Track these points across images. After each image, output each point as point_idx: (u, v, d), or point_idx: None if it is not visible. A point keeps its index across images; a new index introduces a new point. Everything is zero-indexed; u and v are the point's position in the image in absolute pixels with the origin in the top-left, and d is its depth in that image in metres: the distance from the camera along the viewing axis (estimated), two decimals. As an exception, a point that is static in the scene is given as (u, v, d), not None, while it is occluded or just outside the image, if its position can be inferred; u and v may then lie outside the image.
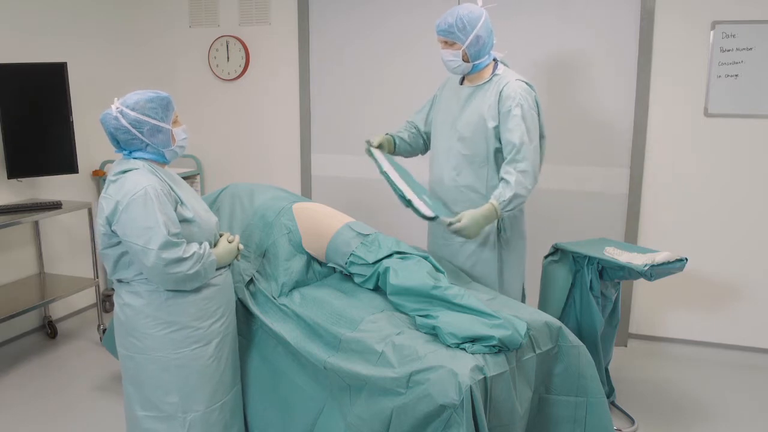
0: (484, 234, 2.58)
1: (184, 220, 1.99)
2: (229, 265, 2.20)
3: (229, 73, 4.18)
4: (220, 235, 2.20)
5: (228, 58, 4.16)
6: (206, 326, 2.06)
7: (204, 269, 2.00)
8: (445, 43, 2.50)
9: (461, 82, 2.67)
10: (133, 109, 1.96)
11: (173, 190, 2.02)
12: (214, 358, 2.09)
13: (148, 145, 2.01)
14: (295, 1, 3.97)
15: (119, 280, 2.06)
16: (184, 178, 4.14)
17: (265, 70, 4.13)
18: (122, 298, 2.05)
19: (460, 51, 2.48)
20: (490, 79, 2.56)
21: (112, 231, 1.95)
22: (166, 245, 1.89)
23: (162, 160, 2.08)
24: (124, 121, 1.96)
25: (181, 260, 1.92)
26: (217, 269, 2.10)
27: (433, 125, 2.76)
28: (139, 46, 4.31)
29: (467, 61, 2.51)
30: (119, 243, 1.97)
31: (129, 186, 1.92)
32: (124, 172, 1.97)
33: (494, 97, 2.50)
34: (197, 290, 2.04)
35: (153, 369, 2.04)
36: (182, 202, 2.02)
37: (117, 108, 1.97)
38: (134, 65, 4.29)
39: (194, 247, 1.98)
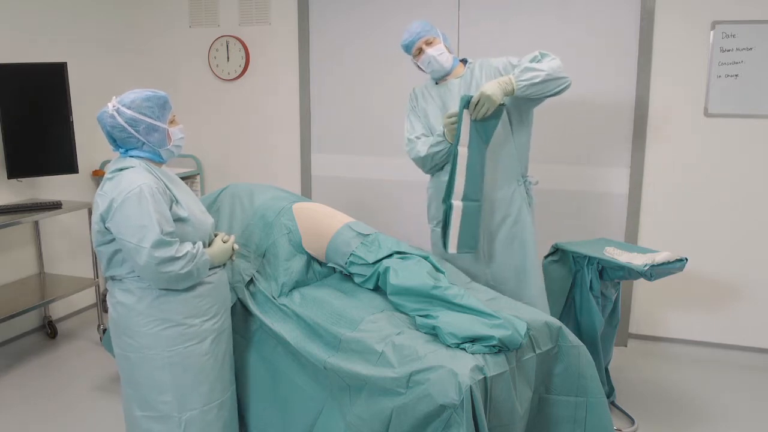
0: (517, 205, 2.67)
1: (178, 219, 1.99)
2: (224, 264, 2.19)
3: (229, 73, 4.19)
4: (215, 235, 2.19)
5: (228, 58, 4.16)
6: (198, 324, 2.05)
7: (197, 269, 1.99)
8: (426, 44, 2.64)
9: (436, 84, 2.77)
10: (129, 108, 1.96)
11: (169, 189, 2.01)
12: (209, 356, 2.08)
13: (144, 143, 2.01)
14: (295, 1, 3.97)
15: (112, 278, 2.06)
16: (184, 178, 4.15)
17: (265, 70, 4.13)
18: (115, 296, 2.05)
19: (441, 44, 2.65)
20: (467, 68, 2.71)
21: (106, 228, 1.95)
22: (159, 244, 1.89)
23: (158, 159, 2.08)
24: (120, 120, 1.96)
25: (173, 259, 1.92)
26: (211, 269, 2.09)
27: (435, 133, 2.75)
28: (139, 46, 4.31)
29: (450, 52, 2.67)
30: (112, 240, 1.97)
31: (124, 184, 1.91)
32: (120, 170, 1.97)
33: (487, 71, 2.64)
34: (190, 288, 2.03)
35: (147, 368, 2.03)
36: (177, 201, 2.02)
37: (114, 106, 1.97)
38: (134, 65, 4.29)
39: (187, 247, 1.97)
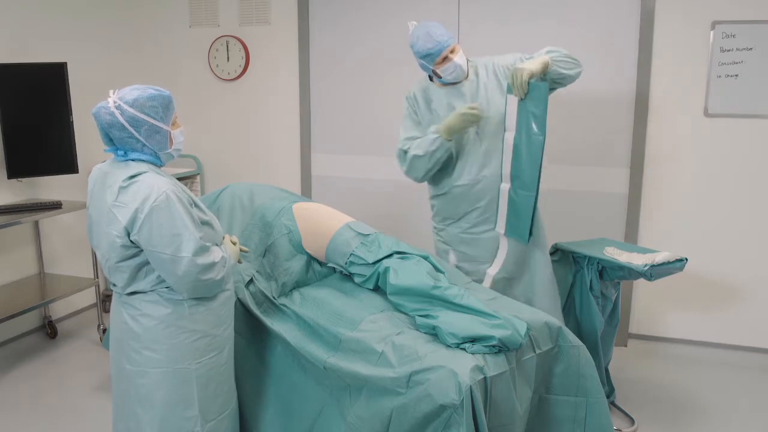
0: None
1: (203, 223, 1.90)
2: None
3: (229, 73, 4.18)
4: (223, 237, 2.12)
5: (228, 58, 4.16)
6: (221, 332, 1.99)
7: (227, 273, 1.93)
8: (451, 51, 2.55)
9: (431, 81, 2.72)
10: (131, 106, 1.81)
11: (185, 192, 1.91)
12: (226, 366, 2.03)
13: (144, 146, 1.86)
14: (295, 1, 3.97)
15: (133, 293, 1.91)
16: (185, 177, 4.15)
17: (265, 70, 4.13)
18: (139, 308, 1.89)
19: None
20: (470, 69, 2.67)
21: (131, 241, 1.81)
22: (201, 250, 1.80)
23: (158, 163, 1.93)
24: (120, 118, 1.80)
25: (213, 265, 1.84)
26: None
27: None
28: (139, 46, 4.31)
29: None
30: (137, 254, 1.84)
31: (146, 191, 1.78)
32: (133, 177, 1.82)
33: (496, 71, 2.64)
34: (215, 296, 1.96)
35: (174, 382, 1.91)
36: (196, 204, 1.92)
37: (114, 103, 1.81)
38: (134, 65, 4.29)
39: (219, 251, 1.90)
